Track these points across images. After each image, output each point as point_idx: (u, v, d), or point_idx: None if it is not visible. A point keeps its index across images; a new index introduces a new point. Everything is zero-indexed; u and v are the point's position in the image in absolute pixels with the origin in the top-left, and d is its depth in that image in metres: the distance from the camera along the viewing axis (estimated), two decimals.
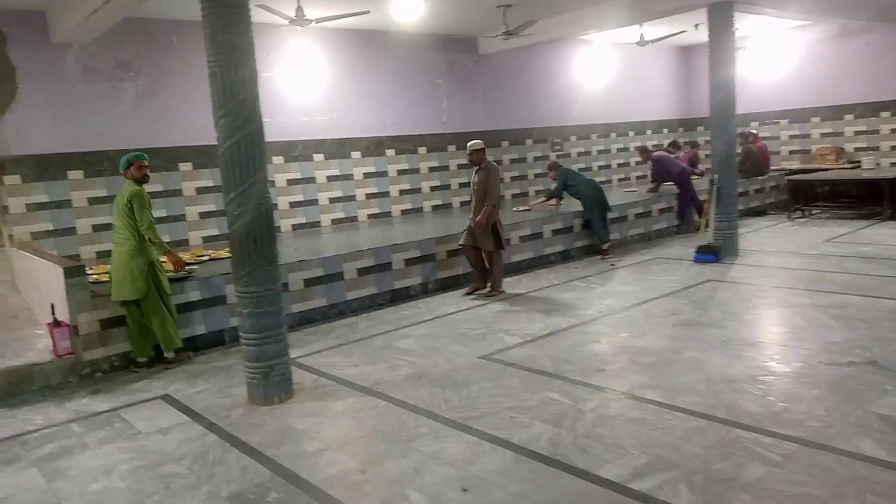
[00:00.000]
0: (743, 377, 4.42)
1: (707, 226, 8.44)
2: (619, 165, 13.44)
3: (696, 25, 11.35)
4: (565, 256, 9.00)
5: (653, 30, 11.18)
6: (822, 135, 12.81)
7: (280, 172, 8.92)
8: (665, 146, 13.55)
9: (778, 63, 13.03)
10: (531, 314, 6.44)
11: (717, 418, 3.82)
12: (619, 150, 13.41)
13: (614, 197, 10.15)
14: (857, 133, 12.44)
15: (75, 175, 7.43)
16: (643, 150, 11.18)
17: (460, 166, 10.82)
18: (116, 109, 7.66)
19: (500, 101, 11.31)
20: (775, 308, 6.12)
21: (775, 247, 8.83)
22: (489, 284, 7.33)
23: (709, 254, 8.24)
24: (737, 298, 6.44)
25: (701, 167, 13.59)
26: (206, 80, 4.35)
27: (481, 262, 7.34)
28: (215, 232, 8.35)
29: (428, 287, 7.60)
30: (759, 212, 11.87)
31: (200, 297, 5.97)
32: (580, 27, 9.86)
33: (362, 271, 6.99)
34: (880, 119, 12.15)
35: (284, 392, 4.65)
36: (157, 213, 7.80)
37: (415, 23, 9.09)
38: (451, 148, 10.72)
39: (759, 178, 12.13)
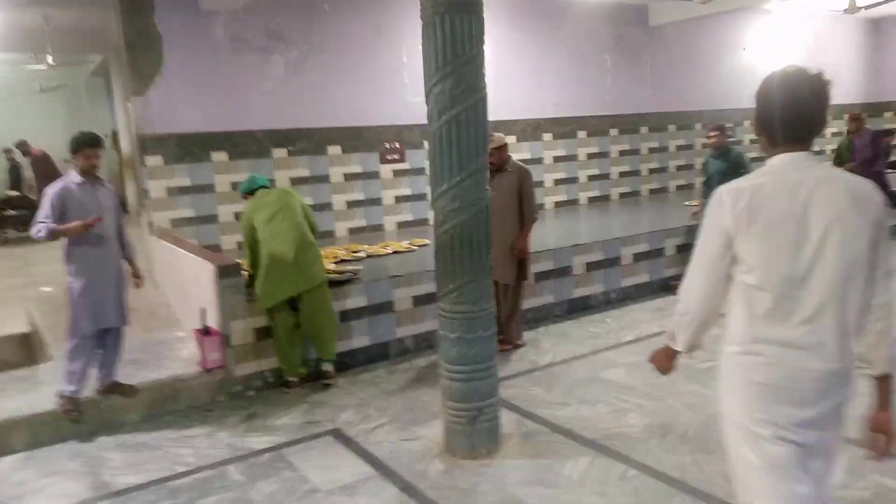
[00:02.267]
0: None
1: None
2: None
3: None
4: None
5: None
6: None
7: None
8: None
9: None
10: None
11: None
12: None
13: None
14: None
15: (219, 157, 6.69)
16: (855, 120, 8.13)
17: (622, 153, 9.51)
18: (265, 85, 6.86)
19: (669, 79, 9.87)
20: None
21: None
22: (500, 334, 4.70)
23: None
24: None
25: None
26: (359, 54, 3.33)
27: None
28: (362, 223, 7.48)
29: (610, 297, 6.40)
30: None
31: (366, 304, 5.04)
32: None
33: (538, 276, 5.88)
34: None
35: (493, 442, 3.61)
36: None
37: None
38: (614, 132, 9.42)
39: None
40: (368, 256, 5.93)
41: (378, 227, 7.57)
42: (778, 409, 1.83)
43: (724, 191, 1.87)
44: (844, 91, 12.24)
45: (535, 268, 5.78)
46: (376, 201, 7.56)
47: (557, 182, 9.00)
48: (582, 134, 9.13)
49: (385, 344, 5.15)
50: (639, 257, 6.51)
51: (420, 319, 5.26)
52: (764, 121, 1.89)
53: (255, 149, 6.79)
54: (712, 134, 6.44)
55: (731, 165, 6.12)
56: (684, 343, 2.02)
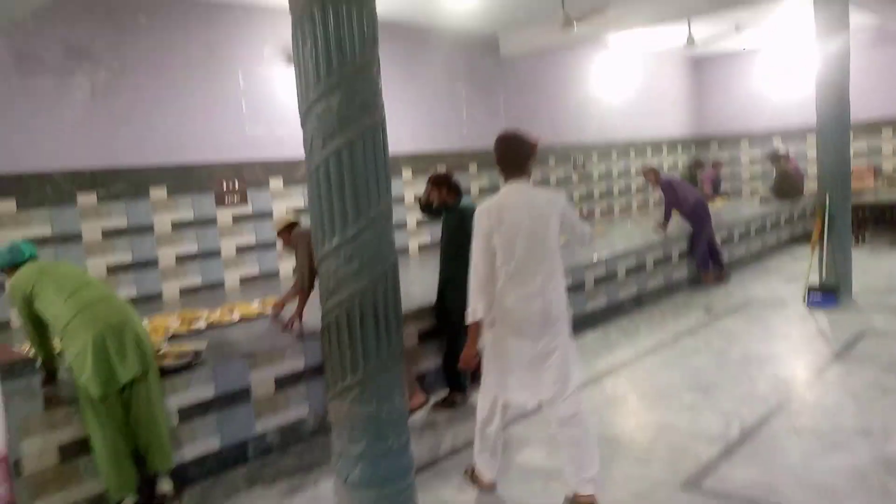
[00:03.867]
0: None
1: (821, 259, 6.87)
2: (639, 190, 11.92)
3: (737, 26, 10.03)
4: (639, 301, 7.27)
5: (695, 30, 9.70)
6: (855, 153, 11.69)
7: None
8: (683, 166, 12.26)
9: (798, 75, 11.84)
10: (678, 395, 4.62)
11: None
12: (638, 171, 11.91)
13: (635, 236, 8.20)
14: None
15: (6, 206, 5.14)
16: (651, 172, 8.33)
17: (482, 190, 8.99)
18: (64, 114, 5.41)
19: (521, 112, 9.55)
20: None
21: (873, 283, 7.32)
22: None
23: (825, 295, 6.68)
24: None
25: (725, 188, 12.37)
26: (186, 76, 2.47)
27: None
28: (197, 281, 6.16)
29: None
30: (797, 239, 10.48)
31: (214, 394, 3.85)
32: (634, 20, 8.22)
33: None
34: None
35: None
36: (121, 258, 5.63)
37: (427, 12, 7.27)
38: (473, 167, 8.88)
39: (796, 200, 10.86)
40: (210, 327, 4.69)
41: (218, 286, 6.29)
42: (520, 332, 3.03)
43: (482, 207, 3.09)
44: (677, 124, 12.84)
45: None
46: (214, 253, 6.29)
47: (420, 223, 8.24)
48: (441, 170, 8.46)
49: (242, 444, 3.97)
50: None
51: (286, 406, 4.16)
52: (500, 163, 3.18)
53: (52, 194, 5.31)
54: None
55: None
56: (476, 312, 3.04)
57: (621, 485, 3.46)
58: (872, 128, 11.37)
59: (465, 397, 4.70)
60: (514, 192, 3.10)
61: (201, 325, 4.67)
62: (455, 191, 4.66)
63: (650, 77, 12.02)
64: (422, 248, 8.24)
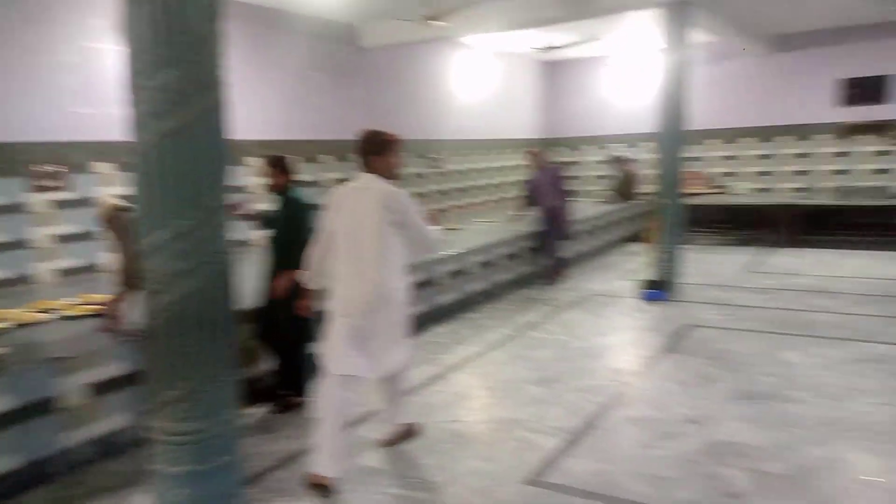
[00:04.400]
0: None
1: (653, 257, 7.34)
2: (496, 186, 12.18)
3: (589, 36, 10.50)
4: (489, 294, 7.38)
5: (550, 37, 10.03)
6: (686, 159, 12.68)
7: None
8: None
9: (644, 85, 12.68)
10: (523, 388, 4.69)
11: None
12: (494, 169, 12.15)
13: (488, 232, 8.56)
14: (722, 158, 12.47)
15: None
16: (534, 156, 8.40)
17: (337, 182, 8.72)
18: None
19: (383, 105, 9.40)
20: (823, 368, 4.90)
21: (700, 279, 7.96)
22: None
23: (658, 290, 7.15)
24: (751, 352, 5.28)
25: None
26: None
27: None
28: (6, 275, 5.42)
29: None
30: (633, 238, 11.18)
31: (13, 405, 3.35)
32: (490, 24, 8.34)
33: None
34: (739, 145, 12.28)
35: None
36: None
37: None
38: (327, 158, 8.59)
39: (633, 201, 11.59)
40: (18, 327, 4.10)
41: (26, 280, 5.56)
42: (345, 311, 3.35)
43: (334, 190, 3.54)
44: (530, 126, 13.26)
45: None
46: (22, 243, 5.56)
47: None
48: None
49: (45, 461, 3.50)
50: None
51: (104, 416, 3.72)
52: (357, 155, 3.52)
53: None
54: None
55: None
56: (307, 279, 3.62)
57: (465, 481, 3.43)
58: (703, 135, 12.38)
59: (304, 401, 4.47)
60: (358, 183, 3.46)
61: (5, 325, 4.07)
62: (287, 174, 4.36)
63: (506, 78, 12.32)
64: None
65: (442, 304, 6.57)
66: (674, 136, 7.27)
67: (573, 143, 13.79)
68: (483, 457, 3.70)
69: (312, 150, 8.39)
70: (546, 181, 8.04)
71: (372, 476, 3.53)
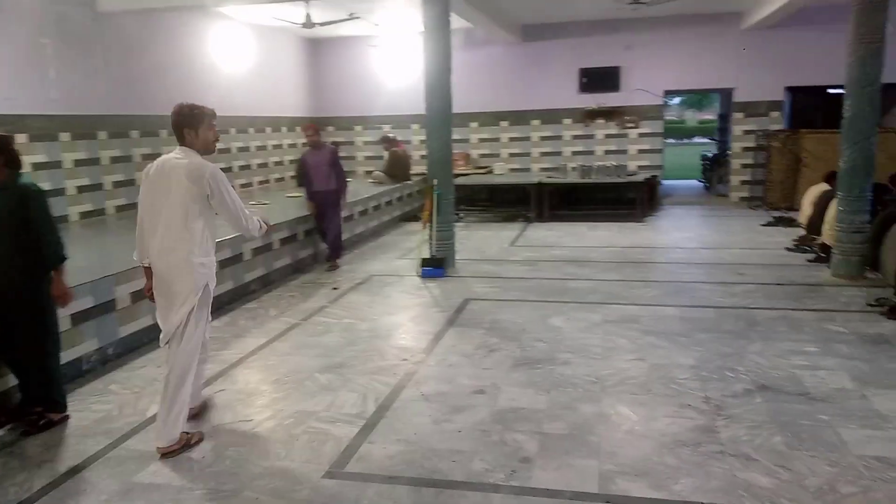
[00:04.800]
0: (691, 439, 3.57)
1: (429, 235, 7.52)
2: (260, 166, 11.61)
3: (350, 14, 10.37)
4: (267, 282, 7.01)
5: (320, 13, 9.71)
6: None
7: None
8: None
9: (409, 67, 12.92)
10: (312, 377, 4.51)
11: None
12: (258, 148, 11.57)
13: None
14: (481, 140, 13.21)
15: None
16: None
17: (79, 162, 7.66)
18: None
19: (128, 77, 8.40)
20: (586, 331, 5.36)
21: (471, 254, 8.38)
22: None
23: (435, 267, 7.36)
24: (524, 320, 5.64)
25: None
26: None
27: None
28: None
29: (108, 354, 4.85)
30: (407, 218, 11.45)
31: None
32: None
33: None
34: (496, 128, 13.12)
35: None
36: None
37: None
38: (65, 136, 7.48)
39: (407, 182, 11.85)
40: None
41: None
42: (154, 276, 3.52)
43: (149, 166, 3.52)
44: (292, 104, 12.81)
45: None
46: None
47: None
48: (21, 138, 6.92)
49: None
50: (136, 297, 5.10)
51: None
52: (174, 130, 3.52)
53: None
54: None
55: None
56: (138, 257, 3.60)
57: (259, 484, 3.19)
58: (462, 119, 12.97)
59: (61, 416, 3.86)
60: (169, 157, 3.48)
61: None
62: (14, 163, 3.67)
63: (270, 53, 11.78)
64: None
65: (218, 294, 6.06)
66: (441, 117, 7.47)
67: (343, 123, 13.67)
68: (277, 455, 3.47)
69: (47, 126, 7.25)
70: (322, 161, 7.64)
71: (154, 492, 3.13)
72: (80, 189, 7.72)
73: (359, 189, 10.59)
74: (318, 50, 13.40)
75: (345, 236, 8.32)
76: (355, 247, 8.96)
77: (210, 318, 3.75)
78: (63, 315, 4.24)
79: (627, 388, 4.20)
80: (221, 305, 6.07)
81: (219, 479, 3.25)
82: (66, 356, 4.24)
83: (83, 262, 5.08)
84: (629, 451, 3.43)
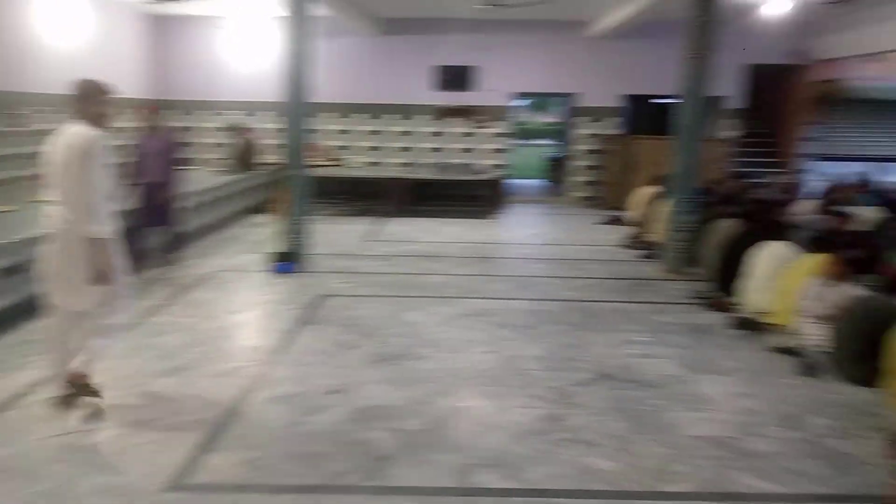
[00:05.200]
0: (541, 427, 3.71)
1: (282, 228, 7.24)
2: None
3: None
4: None
5: None
6: (308, 131, 12.86)
7: None
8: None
9: (262, 52, 12.38)
10: (149, 382, 4.18)
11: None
12: None
13: None
14: (340, 132, 12.97)
15: None
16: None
17: None
18: None
19: None
20: (442, 325, 5.41)
21: (325, 249, 8.17)
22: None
23: (287, 262, 7.11)
24: (380, 316, 5.60)
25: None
26: None
27: None
28: None
29: None
30: (255, 209, 10.97)
31: None
32: None
33: None
34: (351, 120, 12.96)
35: None
36: None
37: None
38: None
39: (254, 171, 11.37)
40: None
41: None
42: None
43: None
44: (131, 84, 11.82)
45: None
46: None
47: None
48: None
49: None
50: None
51: None
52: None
53: None
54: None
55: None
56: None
57: (88, 503, 2.89)
58: (319, 108, 12.62)
59: None
60: (63, 129, 3.61)
61: None
62: None
63: (107, 29, 10.75)
64: None
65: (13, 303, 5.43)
66: (298, 107, 7.24)
67: (187, 107, 12.84)
68: (110, 470, 3.17)
69: None
70: (159, 148, 6.79)
71: None
72: None
73: (203, 178, 10.00)
74: (162, 28, 12.46)
75: (182, 230, 7.49)
76: (199, 240, 8.44)
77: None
78: None
79: (482, 381, 4.30)
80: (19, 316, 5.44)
81: (41, 500, 2.91)
82: None
83: None
84: (484, 442, 3.50)
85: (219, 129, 12.64)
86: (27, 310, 5.23)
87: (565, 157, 13.81)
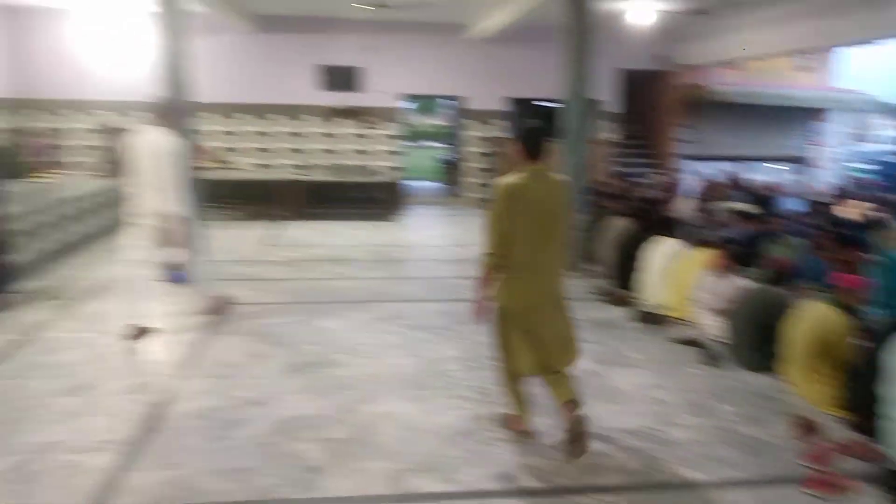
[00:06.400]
0: (469, 428, 3.77)
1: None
2: None
3: None
4: None
5: None
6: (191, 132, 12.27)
7: None
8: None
9: (137, 50, 11.65)
10: (51, 403, 3.86)
11: None
12: None
13: None
14: (221, 133, 12.48)
15: None
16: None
17: None
18: None
19: None
20: (356, 330, 5.35)
21: (221, 255, 7.83)
22: None
23: (181, 270, 6.75)
24: (291, 324, 5.46)
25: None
26: None
27: None
28: None
29: None
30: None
31: None
32: None
33: None
34: (236, 120, 12.51)
35: None
36: None
37: None
38: None
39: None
40: None
41: None
42: None
43: None
44: None
45: None
46: None
47: None
48: None
49: None
50: None
51: None
52: None
53: None
54: None
55: None
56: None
57: None
58: (200, 109, 12.09)
59: None
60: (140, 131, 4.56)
61: None
62: None
63: None
64: None
65: None
66: (179, 107, 6.90)
67: (54, 107, 11.88)
68: (18, 498, 2.91)
69: None
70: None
71: None
72: None
73: (78, 183, 9.32)
74: (22, 22, 11.45)
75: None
76: (77, 250, 7.85)
77: None
78: None
79: (404, 385, 4.30)
80: None
81: None
82: None
83: None
84: (414, 447, 3.51)
85: (91, 130, 11.82)
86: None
87: (458, 160, 14.03)
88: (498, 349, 3.53)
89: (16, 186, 8.43)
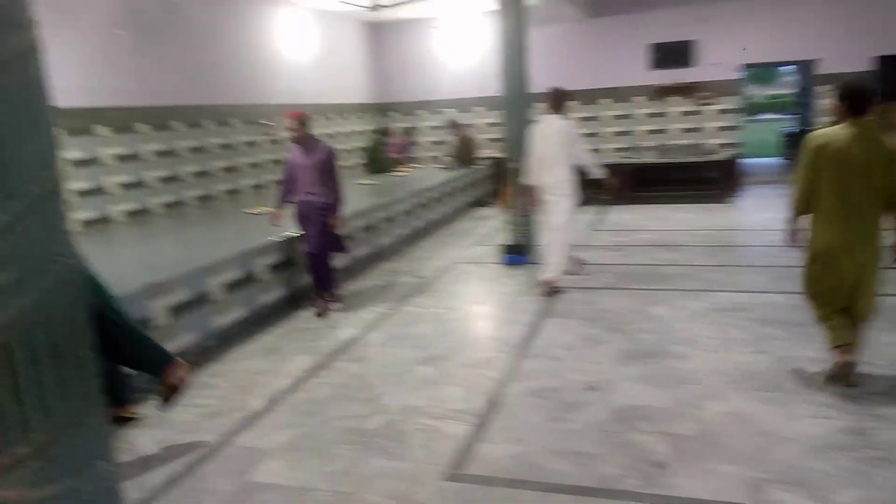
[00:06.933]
0: (845, 442, 3.24)
1: (510, 219, 7.26)
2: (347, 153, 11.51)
3: None
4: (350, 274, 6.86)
5: None
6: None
7: None
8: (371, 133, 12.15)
9: (473, 48, 12.60)
10: (411, 370, 4.34)
11: None
12: (328, 136, 11.48)
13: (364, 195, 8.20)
14: None
15: None
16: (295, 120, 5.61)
17: (160, 154, 7.67)
18: None
19: (199, 66, 8.37)
20: (692, 320, 5.02)
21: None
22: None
23: (519, 254, 7.10)
24: (623, 310, 5.34)
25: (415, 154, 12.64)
26: None
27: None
28: None
29: (206, 346, 4.77)
30: (478, 203, 11.20)
31: None
32: None
33: None
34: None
35: None
36: None
37: None
38: (144, 128, 7.49)
39: (472, 167, 11.59)
40: None
41: None
42: None
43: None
44: (356, 91, 12.65)
45: None
46: None
47: (84, 193, 6.68)
48: (104, 131, 6.96)
49: None
50: (231, 288, 5.03)
51: None
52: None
53: None
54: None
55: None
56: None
57: (377, 485, 3.04)
58: (534, 99, 12.58)
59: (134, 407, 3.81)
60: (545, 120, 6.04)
61: None
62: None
63: (331, 39, 11.62)
64: (133, 215, 6.85)
65: (305, 283, 5.96)
66: (517, 99, 7.20)
67: (407, 108, 13.46)
68: (390, 454, 3.31)
69: (124, 118, 7.26)
70: (313, 163, 5.50)
71: (263, 493, 3.01)
72: (163, 180, 7.73)
73: (426, 175, 10.41)
74: (380, 34, 13.19)
75: (340, 266, 6.14)
76: (429, 235, 8.77)
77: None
78: (162, 308, 4.20)
79: (754, 384, 3.88)
80: (307, 295, 5.93)
81: (334, 479, 3.11)
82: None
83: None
84: (773, 455, 3.13)
85: (437, 127, 13.11)
86: (292, 301, 5.75)
87: (807, 132, 12.35)
88: (804, 286, 3.92)
89: (380, 180, 9.79)
